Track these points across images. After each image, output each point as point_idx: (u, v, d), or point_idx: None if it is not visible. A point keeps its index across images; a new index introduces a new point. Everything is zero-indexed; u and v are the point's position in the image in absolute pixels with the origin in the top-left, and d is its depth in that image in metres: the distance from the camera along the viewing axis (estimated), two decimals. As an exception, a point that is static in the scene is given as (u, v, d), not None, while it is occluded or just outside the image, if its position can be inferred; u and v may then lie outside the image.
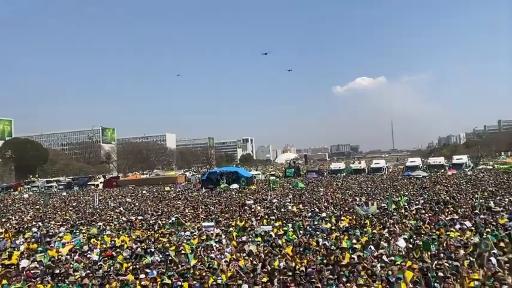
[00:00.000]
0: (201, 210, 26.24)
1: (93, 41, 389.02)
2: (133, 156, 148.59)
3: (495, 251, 10.69)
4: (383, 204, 22.45)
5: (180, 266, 11.82)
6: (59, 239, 17.95)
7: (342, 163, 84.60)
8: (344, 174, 63.42)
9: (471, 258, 10.28)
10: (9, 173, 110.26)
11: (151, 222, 22.12)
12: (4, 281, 11.00)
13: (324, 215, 20.29)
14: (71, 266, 12.57)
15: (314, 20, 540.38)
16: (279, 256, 11.87)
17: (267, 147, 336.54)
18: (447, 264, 9.80)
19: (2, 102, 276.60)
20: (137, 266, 11.72)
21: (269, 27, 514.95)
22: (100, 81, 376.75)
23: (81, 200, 44.11)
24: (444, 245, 12.15)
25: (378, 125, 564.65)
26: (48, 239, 17.66)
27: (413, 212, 19.37)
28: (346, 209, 22.41)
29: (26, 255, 14.84)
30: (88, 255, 14.29)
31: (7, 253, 14.90)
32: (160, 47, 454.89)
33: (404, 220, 17.28)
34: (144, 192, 49.61)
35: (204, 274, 10.16)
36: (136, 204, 35.06)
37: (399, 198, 24.50)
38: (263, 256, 12.06)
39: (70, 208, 34.86)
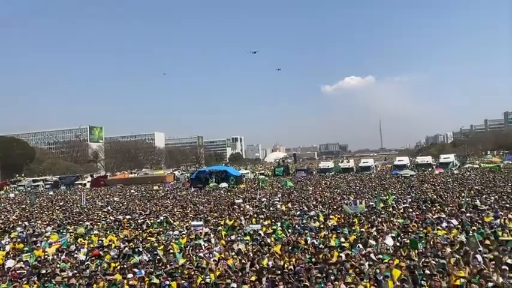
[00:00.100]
0: (189, 209, 26.14)
1: (81, 39, 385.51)
2: (122, 155, 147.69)
3: (481, 248, 10.84)
4: (371, 203, 22.58)
5: (168, 265, 11.75)
6: (45, 238, 17.81)
7: (330, 162, 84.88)
8: (333, 173, 63.74)
9: (457, 256, 10.40)
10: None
11: (139, 221, 21.96)
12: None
13: (312, 213, 20.35)
14: (58, 266, 12.46)
15: (303, 19, 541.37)
16: (268, 255, 11.88)
17: (256, 146, 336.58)
18: (434, 262, 9.90)
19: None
20: (125, 266, 11.66)
21: (258, 26, 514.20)
22: (87, 80, 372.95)
23: (68, 199, 43.63)
24: (431, 243, 12.29)
25: (367, 124, 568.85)
26: (34, 239, 17.47)
27: (401, 211, 19.51)
28: (335, 207, 22.50)
29: (11, 255, 14.69)
30: (75, 255, 14.19)
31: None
32: (148, 46, 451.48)
33: (392, 218, 17.41)
34: (132, 191, 49.24)
35: (192, 273, 10.15)
36: (125, 203, 34.82)
37: (387, 197, 24.68)
38: (252, 255, 12.08)
39: (57, 207, 34.45)
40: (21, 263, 13.18)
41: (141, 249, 14.08)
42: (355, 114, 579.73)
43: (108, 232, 19.16)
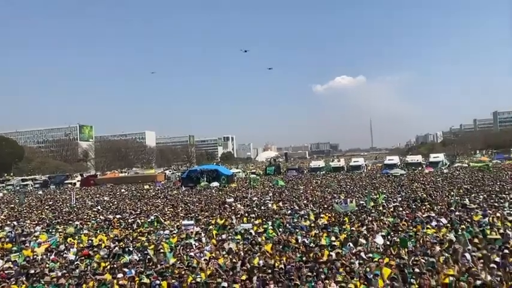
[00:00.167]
0: (180, 208, 26.06)
1: (77, 39, 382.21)
2: (112, 154, 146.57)
3: (470, 247, 10.95)
4: (361, 202, 22.68)
5: (159, 264, 11.69)
6: (34, 238, 17.62)
7: (321, 161, 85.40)
8: (323, 172, 64.08)
9: (446, 255, 10.49)
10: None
11: (129, 221, 21.83)
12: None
13: (303, 212, 20.39)
14: (47, 265, 12.35)
15: (294, 18, 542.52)
16: (259, 254, 11.89)
17: (247, 145, 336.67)
18: (423, 261, 9.97)
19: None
20: (115, 265, 11.59)
21: (248, 25, 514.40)
22: (77, 78, 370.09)
23: (58, 198, 43.19)
24: (421, 241, 12.39)
25: (358, 124, 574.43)
26: (23, 239, 17.34)
27: (391, 210, 19.64)
28: (325, 206, 22.57)
29: (-1, 255, 14.51)
30: (64, 255, 14.06)
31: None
32: (138, 45, 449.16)
33: (382, 217, 17.50)
34: (122, 190, 48.97)
35: (183, 273, 10.10)
36: (115, 202, 34.58)
37: (377, 196, 24.82)
38: (243, 254, 12.06)
39: (46, 207, 34.07)
40: (10, 263, 13.03)
41: (131, 249, 14.00)
42: (346, 113, 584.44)
43: (98, 232, 19.04)
